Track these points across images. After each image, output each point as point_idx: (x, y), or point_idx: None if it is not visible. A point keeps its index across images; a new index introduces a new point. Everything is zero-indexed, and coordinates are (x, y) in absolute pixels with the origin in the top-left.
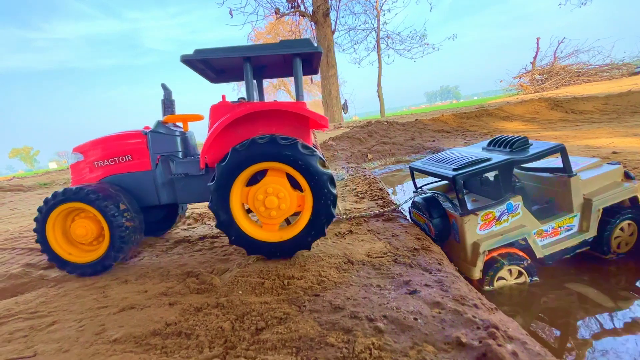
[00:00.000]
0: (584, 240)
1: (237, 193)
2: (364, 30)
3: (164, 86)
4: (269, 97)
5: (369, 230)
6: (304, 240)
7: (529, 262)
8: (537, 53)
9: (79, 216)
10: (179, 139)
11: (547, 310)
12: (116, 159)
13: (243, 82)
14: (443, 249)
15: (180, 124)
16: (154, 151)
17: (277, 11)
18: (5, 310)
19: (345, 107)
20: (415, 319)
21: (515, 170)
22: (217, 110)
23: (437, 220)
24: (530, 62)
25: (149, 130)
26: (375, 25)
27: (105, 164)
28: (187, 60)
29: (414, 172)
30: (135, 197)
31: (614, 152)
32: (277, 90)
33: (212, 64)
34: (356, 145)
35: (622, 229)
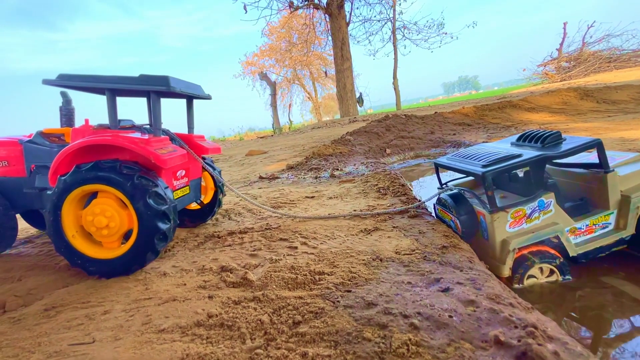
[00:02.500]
0: (620, 239)
1: (70, 216)
2: (379, 21)
3: (63, 94)
4: (282, 91)
5: (394, 227)
6: (123, 264)
7: (561, 260)
8: (563, 39)
9: None
10: (55, 152)
11: (581, 309)
12: None
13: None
14: (470, 246)
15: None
16: (28, 161)
17: (290, 4)
18: (60, 299)
19: (360, 100)
20: (450, 316)
21: (547, 166)
22: (77, 133)
23: (465, 217)
24: (557, 49)
25: (25, 140)
26: (391, 15)
27: None
28: (53, 84)
29: (439, 168)
30: (10, 200)
31: None
32: (291, 85)
33: (78, 87)
34: (374, 140)
35: None
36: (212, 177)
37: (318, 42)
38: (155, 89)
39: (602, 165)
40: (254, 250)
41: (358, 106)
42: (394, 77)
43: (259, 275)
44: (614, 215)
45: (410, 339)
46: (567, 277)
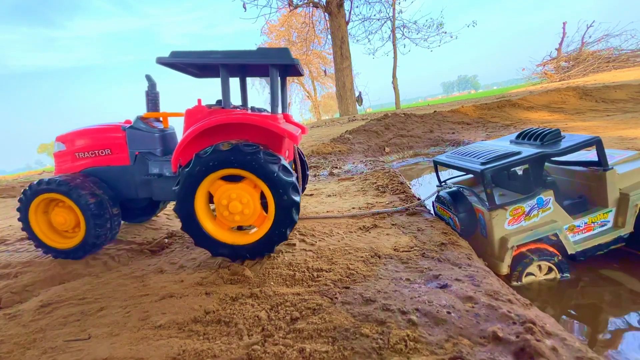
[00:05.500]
0: (619, 237)
1: (202, 197)
2: (378, 19)
3: (148, 77)
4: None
5: (393, 224)
6: (267, 243)
7: (559, 258)
8: (563, 39)
9: (58, 205)
10: (157, 137)
11: (579, 306)
12: (96, 151)
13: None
14: (469, 244)
15: (160, 120)
16: (132, 147)
17: (290, 3)
18: (56, 296)
19: (359, 99)
20: (449, 312)
21: (546, 164)
22: (192, 114)
23: (463, 215)
24: (556, 49)
25: (127, 126)
26: (391, 14)
27: (85, 155)
28: (166, 62)
29: (438, 166)
30: (113, 190)
31: None
32: (291, 84)
33: (192, 64)
34: (373, 139)
35: None
36: (299, 160)
37: (317, 41)
38: (276, 62)
39: (601, 163)
40: None
41: (357, 105)
42: (394, 76)
43: (256, 272)
44: (612, 213)
45: (408, 335)
46: (565, 274)
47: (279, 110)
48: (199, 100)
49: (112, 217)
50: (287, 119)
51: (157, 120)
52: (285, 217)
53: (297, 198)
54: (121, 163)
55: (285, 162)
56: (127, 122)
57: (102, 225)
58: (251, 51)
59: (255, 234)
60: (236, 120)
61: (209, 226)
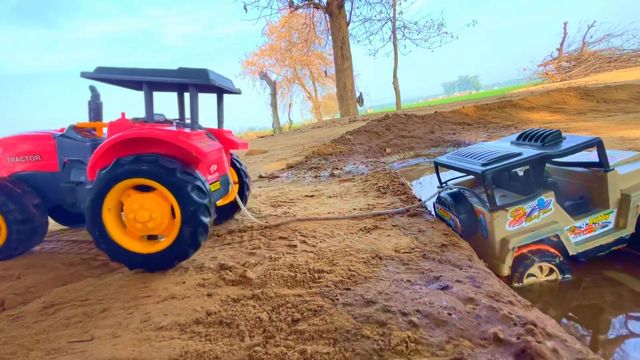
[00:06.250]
0: (620, 238)
1: (112, 201)
2: (379, 20)
3: (92, 88)
4: (282, 91)
5: (394, 226)
6: (165, 257)
7: (560, 259)
8: (564, 39)
9: None
10: (88, 145)
11: (580, 307)
12: (27, 157)
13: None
14: (470, 245)
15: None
16: (62, 155)
17: (291, 4)
18: (59, 297)
19: (360, 100)
20: (450, 314)
21: (547, 165)
22: (115, 126)
23: (464, 216)
24: (557, 49)
25: (59, 134)
26: (391, 15)
27: (16, 160)
28: (91, 77)
29: (439, 167)
30: (42, 195)
31: None
32: (291, 85)
33: (116, 79)
34: (374, 139)
35: None
36: (238, 172)
37: (318, 42)
38: (194, 82)
39: (602, 164)
40: (253, 249)
41: (358, 106)
42: (394, 76)
43: (258, 274)
44: (613, 214)
45: (409, 337)
46: (566, 276)
47: (197, 127)
48: (123, 114)
49: (35, 222)
50: (219, 134)
51: (94, 129)
52: (190, 237)
53: (205, 220)
54: (50, 169)
55: (200, 182)
56: (62, 130)
57: (25, 230)
58: (171, 70)
59: (157, 246)
60: (140, 135)
61: (115, 233)
